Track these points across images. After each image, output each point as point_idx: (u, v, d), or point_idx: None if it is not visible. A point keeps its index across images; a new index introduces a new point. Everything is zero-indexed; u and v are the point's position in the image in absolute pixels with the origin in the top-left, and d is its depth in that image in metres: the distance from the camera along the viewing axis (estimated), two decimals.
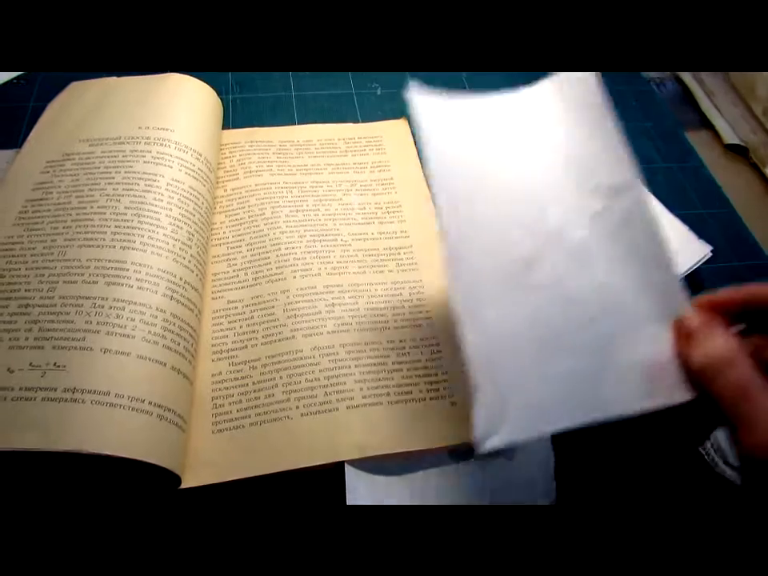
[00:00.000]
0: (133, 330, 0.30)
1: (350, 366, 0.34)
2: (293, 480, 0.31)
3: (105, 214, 0.35)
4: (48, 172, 0.38)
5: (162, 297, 0.32)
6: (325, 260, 0.39)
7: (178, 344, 0.32)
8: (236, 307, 0.37)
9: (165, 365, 0.30)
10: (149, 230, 0.34)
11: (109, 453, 0.27)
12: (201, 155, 0.40)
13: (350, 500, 0.30)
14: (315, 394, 0.33)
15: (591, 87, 0.31)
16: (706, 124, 0.57)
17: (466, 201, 0.29)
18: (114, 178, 0.37)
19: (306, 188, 0.43)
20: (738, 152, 0.54)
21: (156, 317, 0.31)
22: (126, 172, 0.37)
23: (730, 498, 0.32)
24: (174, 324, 0.32)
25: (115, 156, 0.38)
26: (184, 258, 0.34)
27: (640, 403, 0.25)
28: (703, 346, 0.25)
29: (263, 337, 0.35)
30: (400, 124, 0.50)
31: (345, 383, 0.33)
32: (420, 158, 0.29)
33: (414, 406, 0.33)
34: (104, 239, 0.33)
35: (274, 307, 0.36)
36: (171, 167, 0.37)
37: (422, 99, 0.30)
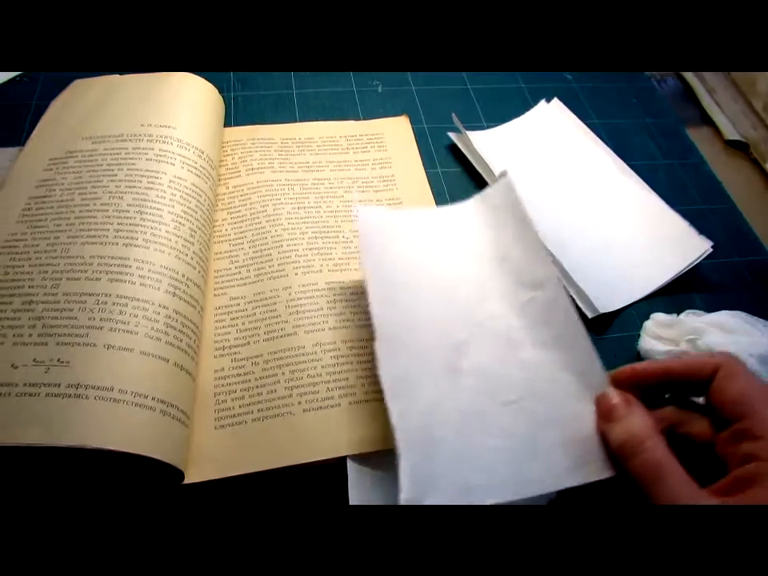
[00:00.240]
0: (136, 326, 0.30)
1: (352, 362, 0.34)
2: (295, 476, 0.31)
3: (108, 211, 0.35)
4: (51, 169, 0.38)
5: (164, 293, 0.32)
6: (327, 257, 0.39)
7: (181, 340, 0.32)
8: (238, 304, 0.37)
9: (168, 361, 0.30)
10: (151, 227, 0.34)
11: (112, 448, 0.27)
12: (203, 152, 0.40)
13: (352, 495, 0.30)
14: (317, 390, 0.33)
15: (514, 197, 0.35)
16: (707, 120, 0.57)
17: (398, 293, 0.32)
18: (116, 175, 0.37)
19: (307, 185, 0.44)
20: (739, 148, 0.54)
21: (159, 313, 0.31)
22: (128, 169, 0.37)
23: None
24: (177, 320, 0.32)
25: (118, 153, 0.38)
26: (186, 255, 0.35)
27: (564, 481, 0.27)
28: (621, 424, 0.26)
29: (265, 333, 0.35)
30: (401, 121, 0.50)
31: (347, 379, 0.33)
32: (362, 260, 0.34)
33: None
34: (107, 236, 0.34)
35: (276, 304, 0.36)
36: (173, 164, 0.38)
37: (365, 211, 0.35)
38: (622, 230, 0.44)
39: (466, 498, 0.26)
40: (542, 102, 0.52)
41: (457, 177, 0.47)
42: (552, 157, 0.48)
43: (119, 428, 0.27)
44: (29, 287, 0.32)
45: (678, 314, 0.38)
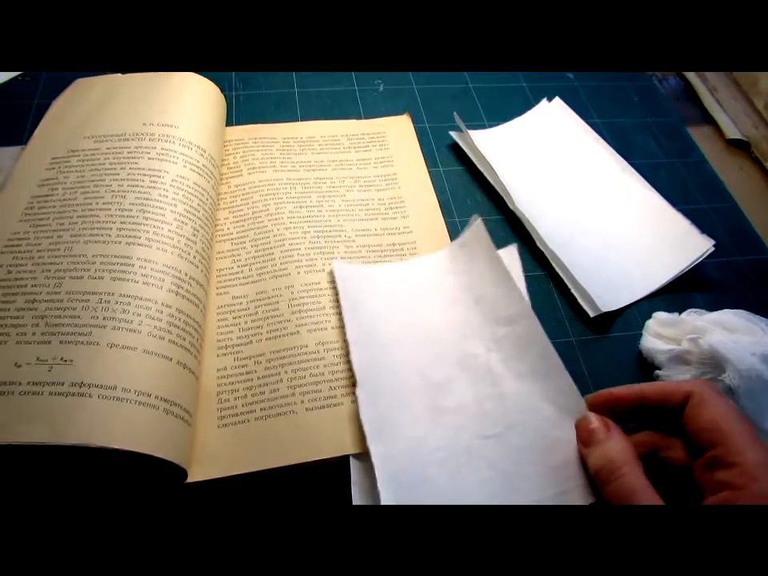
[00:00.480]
0: (139, 325, 0.30)
1: None
2: (298, 474, 0.31)
3: (110, 210, 0.35)
4: (53, 168, 0.38)
5: (167, 292, 0.32)
6: (329, 256, 0.39)
7: (184, 339, 0.32)
8: (241, 303, 0.37)
9: (171, 360, 0.31)
10: (154, 226, 0.34)
11: (116, 447, 0.27)
12: (205, 152, 0.40)
13: (355, 494, 0.30)
14: (320, 389, 0.33)
15: (485, 240, 0.37)
16: (708, 119, 0.57)
17: (376, 340, 0.34)
18: (119, 174, 0.37)
19: (309, 184, 0.44)
20: (740, 147, 0.55)
21: (162, 312, 0.31)
22: (131, 168, 0.37)
23: None
24: (180, 319, 0.32)
25: (120, 152, 0.38)
26: (189, 254, 0.35)
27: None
28: (600, 448, 0.27)
29: (268, 332, 0.35)
30: (403, 120, 0.50)
31: (349, 378, 0.33)
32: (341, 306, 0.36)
33: None
34: (109, 235, 0.34)
35: (278, 303, 0.36)
36: (176, 163, 0.38)
37: (341, 266, 0.37)
38: (623, 228, 0.44)
39: None
40: (544, 101, 0.52)
41: (458, 175, 0.47)
42: (554, 156, 0.48)
43: (122, 427, 0.27)
44: (32, 286, 0.32)
45: (680, 313, 0.38)
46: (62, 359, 0.29)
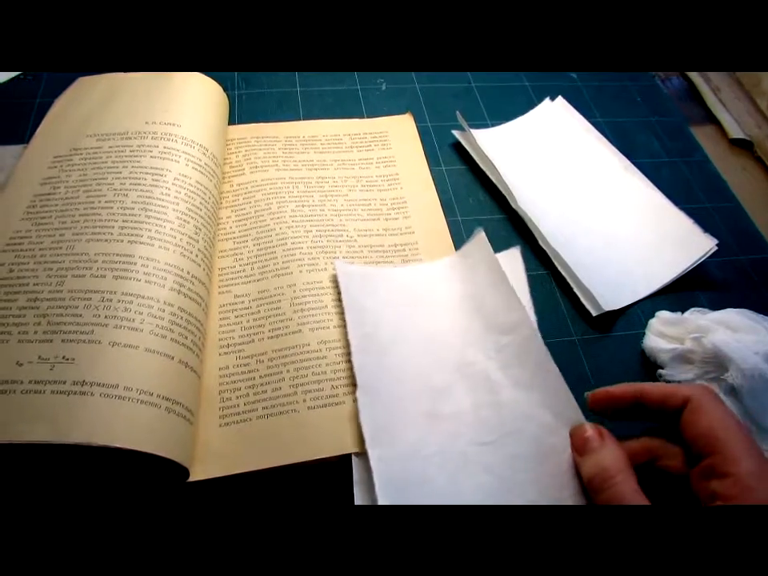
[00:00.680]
0: (141, 323, 0.30)
1: None
2: (300, 473, 0.31)
3: (112, 208, 0.35)
4: (56, 167, 0.38)
5: (169, 291, 0.32)
6: (331, 255, 0.39)
7: (186, 338, 0.32)
8: (243, 301, 0.37)
9: (173, 358, 0.30)
10: (156, 225, 0.34)
11: (118, 445, 0.27)
12: (207, 150, 0.40)
13: (357, 493, 0.30)
14: (322, 388, 0.33)
15: (487, 251, 0.38)
16: (712, 119, 0.57)
17: (378, 343, 0.34)
18: (121, 172, 0.37)
19: (311, 183, 0.44)
20: (743, 146, 0.54)
21: (164, 310, 0.31)
22: (133, 167, 0.37)
23: None
24: (182, 318, 0.32)
25: (122, 151, 0.38)
26: (191, 253, 0.35)
27: None
28: (593, 457, 0.27)
29: (270, 331, 0.35)
30: (405, 119, 0.50)
31: (351, 377, 0.33)
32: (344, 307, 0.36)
33: None
34: (112, 233, 0.34)
35: (280, 301, 0.36)
36: (178, 162, 0.38)
37: (343, 266, 0.37)
38: (626, 228, 0.44)
39: None
40: (547, 101, 0.52)
41: (461, 175, 0.47)
42: (556, 155, 0.48)
43: (124, 425, 0.27)
44: (34, 284, 0.32)
45: (683, 312, 0.38)
46: (63, 358, 0.29)
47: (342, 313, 0.35)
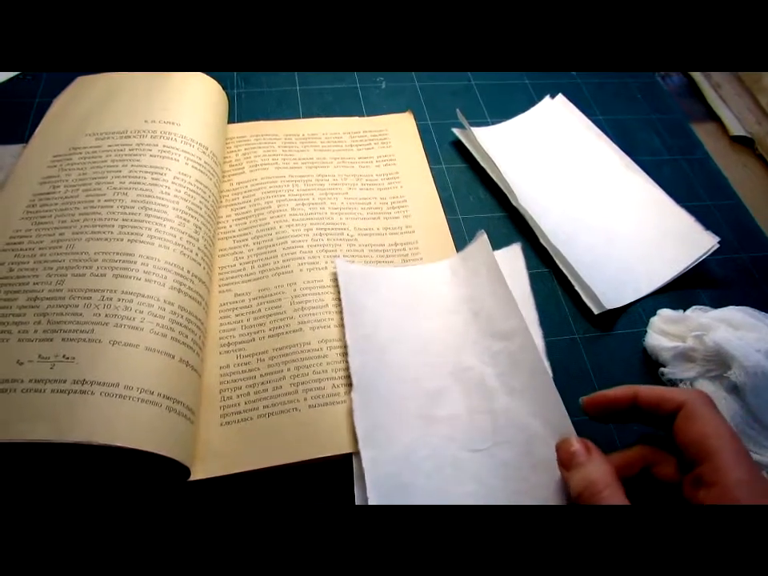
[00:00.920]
0: (141, 322, 0.30)
1: None
2: (301, 472, 0.31)
3: (112, 207, 0.35)
4: (55, 166, 0.38)
5: (169, 289, 0.32)
6: (331, 254, 0.39)
7: (186, 336, 0.32)
8: (243, 300, 0.37)
9: (173, 357, 0.30)
10: (156, 223, 0.34)
11: (119, 444, 0.27)
12: (207, 149, 0.40)
13: (358, 492, 0.30)
14: (323, 386, 0.33)
15: (488, 255, 0.37)
16: (712, 116, 0.57)
17: (374, 344, 0.34)
18: (120, 171, 0.37)
19: (311, 181, 0.43)
20: (744, 143, 0.54)
21: (164, 309, 0.31)
22: (132, 165, 0.37)
23: None
24: (182, 317, 0.32)
25: (122, 150, 0.38)
26: (191, 251, 0.34)
27: None
28: (580, 471, 0.27)
29: (270, 330, 0.35)
30: (405, 117, 0.49)
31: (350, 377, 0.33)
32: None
33: None
34: (111, 232, 0.34)
35: (281, 300, 0.36)
36: (178, 161, 0.38)
37: (343, 265, 0.37)
38: (627, 225, 0.44)
39: None
40: (547, 98, 0.52)
41: (461, 173, 0.47)
42: (557, 153, 0.48)
43: (125, 424, 0.27)
44: (33, 284, 0.32)
45: (685, 310, 0.37)
46: (64, 357, 0.29)
47: (342, 312, 0.35)
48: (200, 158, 0.39)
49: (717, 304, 0.38)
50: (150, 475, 0.30)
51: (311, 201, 0.42)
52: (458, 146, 0.49)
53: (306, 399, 0.32)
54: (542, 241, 0.42)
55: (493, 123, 0.50)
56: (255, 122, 0.47)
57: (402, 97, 0.52)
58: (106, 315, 0.30)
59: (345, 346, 0.34)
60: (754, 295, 0.41)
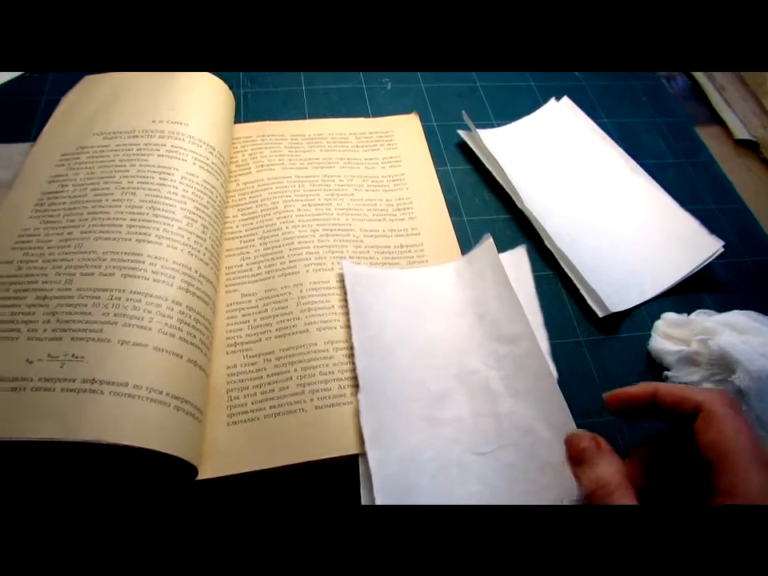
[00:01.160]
0: (150, 322, 0.30)
1: None
2: (307, 472, 0.31)
3: (120, 206, 0.35)
4: (63, 165, 0.38)
5: (177, 289, 0.32)
6: (338, 255, 0.39)
7: (194, 336, 0.32)
8: (250, 300, 0.37)
9: (181, 357, 0.31)
10: (164, 223, 0.34)
11: (127, 443, 0.27)
12: (214, 149, 0.40)
13: (364, 493, 0.30)
14: (329, 387, 0.33)
15: (494, 259, 0.38)
16: (717, 119, 0.57)
17: (380, 346, 0.34)
18: (128, 171, 0.37)
19: (317, 182, 0.44)
20: (749, 147, 0.54)
21: (172, 309, 0.31)
22: (140, 165, 0.37)
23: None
24: (190, 317, 0.32)
25: (130, 149, 0.38)
26: (199, 251, 0.35)
27: None
28: (593, 470, 0.26)
29: (277, 330, 0.35)
30: (411, 119, 0.50)
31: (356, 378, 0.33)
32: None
33: None
34: (120, 232, 0.34)
35: (287, 301, 0.36)
36: (185, 161, 0.38)
37: (350, 267, 0.37)
38: (632, 228, 0.44)
39: None
40: (552, 100, 0.52)
41: (466, 174, 0.47)
42: (562, 155, 0.48)
43: (134, 423, 0.28)
44: (42, 282, 0.32)
45: (689, 314, 0.38)
46: (73, 356, 0.29)
47: (348, 313, 0.36)
48: (207, 159, 0.39)
49: (721, 308, 0.38)
50: (158, 474, 0.30)
51: (317, 202, 0.42)
52: (464, 147, 0.49)
53: (312, 400, 0.32)
54: (546, 243, 0.42)
55: (498, 125, 0.50)
56: (261, 122, 0.47)
57: (408, 98, 0.52)
58: (115, 315, 0.30)
59: (351, 348, 0.34)
60: (758, 299, 0.41)
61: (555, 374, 0.34)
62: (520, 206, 0.44)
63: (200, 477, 0.30)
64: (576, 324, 0.39)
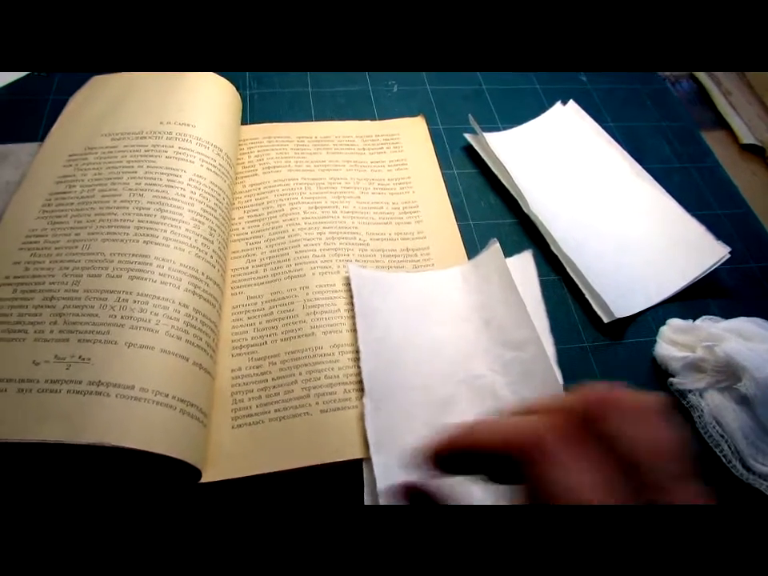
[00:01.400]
0: (156, 324, 0.30)
1: None
2: (311, 476, 0.31)
3: (128, 208, 0.35)
4: (71, 165, 0.38)
5: (184, 292, 0.32)
6: (344, 258, 0.39)
7: (200, 339, 0.32)
8: (255, 303, 0.37)
9: (187, 360, 0.31)
10: (171, 225, 0.34)
11: (131, 446, 0.27)
12: (221, 151, 0.40)
13: (368, 498, 0.30)
14: (335, 391, 0.33)
15: (501, 264, 0.38)
16: (722, 123, 0.57)
17: (386, 350, 0.35)
18: (136, 172, 0.37)
19: (324, 184, 0.44)
20: (755, 152, 0.54)
21: (179, 312, 0.31)
22: (148, 166, 0.37)
23: (747, 502, 0.32)
24: (197, 319, 0.32)
25: (137, 150, 0.38)
26: (206, 254, 0.35)
27: None
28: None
29: (283, 333, 0.35)
30: (417, 122, 0.50)
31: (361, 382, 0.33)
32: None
33: None
34: (127, 233, 0.34)
35: (293, 303, 0.36)
36: (193, 162, 0.38)
37: (356, 270, 0.38)
38: (638, 233, 0.44)
39: None
40: (558, 104, 0.52)
41: (472, 178, 0.47)
42: (568, 159, 0.48)
43: (139, 426, 0.28)
44: (49, 283, 0.32)
45: (695, 320, 0.38)
46: (80, 357, 0.29)
47: (354, 317, 0.36)
48: (215, 160, 0.39)
49: (726, 314, 0.38)
50: (162, 477, 0.30)
51: (324, 204, 0.42)
52: (469, 151, 0.49)
53: (317, 403, 0.32)
54: (552, 248, 0.42)
55: (504, 128, 0.50)
56: (268, 123, 0.47)
57: (414, 100, 0.52)
58: (122, 317, 0.30)
59: (357, 351, 0.34)
60: (764, 306, 0.41)
61: (561, 379, 0.34)
62: (526, 210, 0.44)
63: (204, 480, 0.30)
64: (581, 329, 0.39)
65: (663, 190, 0.46)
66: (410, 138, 0.48)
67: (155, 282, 0.32)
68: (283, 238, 0.40)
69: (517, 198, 0.45)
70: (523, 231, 0.44)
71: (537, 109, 0.52)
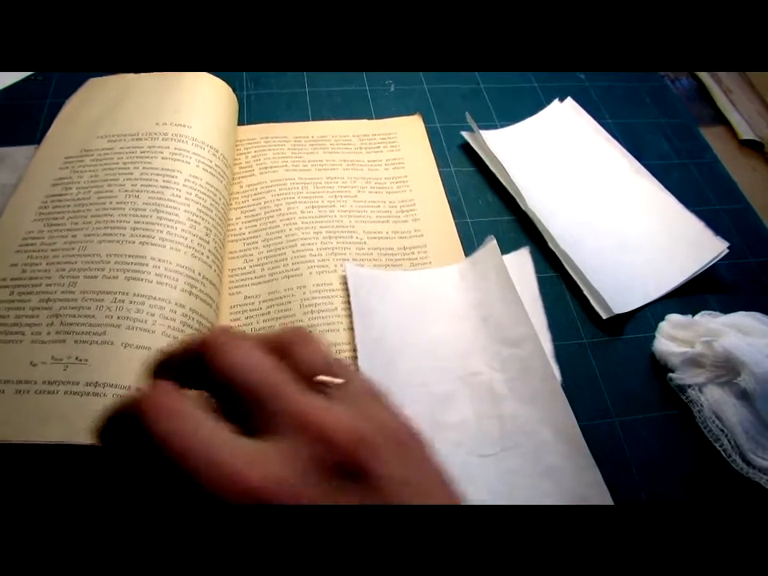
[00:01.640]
0: (153, 324, 0.30)
1: None
2: None
3: (124, 209, 0.35)
4: (67, 168, 0.38)
5: (181, 292, 0.32)
6: (341, 257, 0.39)
7: None
8: (253, 303, 0.37)
9: None
10: (167, 226, 0.34)
11: None
12: (217, 151, 0.40)
13: None
14: None
15: (498, 261, 0.38)
16: (721, 119, 0.56)
17: (384, 348, 0.34)
18: (132, 173, 0.37)
19: (321, 184, 0.44)
20: (754, 147, 0.54)
21: (175, 312, 0.31)
22: (144, 168, 0.37)
23: (747, 496, 0.32)
24: (193, 319, 0.32)
25: (133, 152, 0.38)
26: (202, 254, 0.35)
27: None
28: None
29: None
30: (414, 120, 0.50)
31: None
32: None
33: None
34: (123, 234, 0.34)
35: (290, 303, 0.36)
36: (189, 163, 0.38)
37: (353, 269, 0.37)
38: (637, 230, 0.44)
39: None
40: (556, 102, 0.52)
41: (470, 176, 0.47)
42: (566, 156, 0.48)
43: None
44: (46, 285, 0.32)
45: (693, 315, 0.37)
46: (76, 358, 0.29)
47: (351, 315, 0.36)
48: (211, 161, 0.39)
49: (725, 309, 0.38)
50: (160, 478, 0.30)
51: (321, 204, 0.42)
52: (467, 149, 0.49)
53: None
54: (550, 245, 0.42)
55: (501, 126, 0.50)
56: (265, 124, 0.47)
57: (411, 100, 0.52)
58: (118, 317, 0.30)
59: (354, 350, 0.34)
60: (762, 300, 0.41)
61: (559, 376, 0.34)
62: (523, 208, 0.44)
63: None
64: (579, 326, 0.39)
65: (662, 186, 0.46)
66: (406, 136, 0.48)
67: (151, 282, 0.32)
68: (280, 237, 0.40)
69: (514, 196, 0.45)
70: (521, 228, 0.44)
71: (535, 107, 0.52)
